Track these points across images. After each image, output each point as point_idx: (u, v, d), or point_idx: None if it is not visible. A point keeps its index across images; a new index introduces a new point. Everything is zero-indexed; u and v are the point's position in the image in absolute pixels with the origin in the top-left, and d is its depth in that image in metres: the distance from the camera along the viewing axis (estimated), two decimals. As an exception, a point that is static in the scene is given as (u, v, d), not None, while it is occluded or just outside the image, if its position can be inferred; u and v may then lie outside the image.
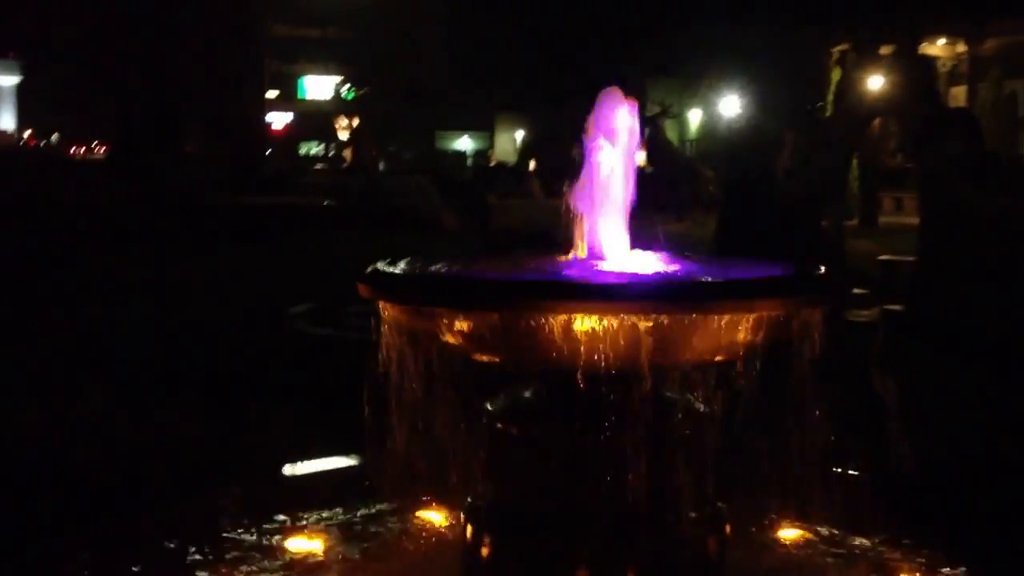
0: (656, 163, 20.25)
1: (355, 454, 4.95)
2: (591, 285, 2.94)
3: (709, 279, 2.98)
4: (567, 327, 2.95)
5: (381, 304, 3.28)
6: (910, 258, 11.43)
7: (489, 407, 3.35)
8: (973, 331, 8.72)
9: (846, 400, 3.48)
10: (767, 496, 3.72)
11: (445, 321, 3.12)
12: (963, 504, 4.45)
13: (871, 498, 4.05)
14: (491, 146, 65.38)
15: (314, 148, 61.65)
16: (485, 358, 3.26)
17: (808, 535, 4.05)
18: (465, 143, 68.23)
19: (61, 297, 11.90)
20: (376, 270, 3.22)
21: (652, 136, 20.54)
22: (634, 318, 2.91)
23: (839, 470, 4.10)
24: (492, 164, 49.77)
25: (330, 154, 52.15)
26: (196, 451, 5.75)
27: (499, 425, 3.33)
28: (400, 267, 3.28)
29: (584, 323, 2.94)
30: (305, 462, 4.64)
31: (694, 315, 2.89)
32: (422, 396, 3.39)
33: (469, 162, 57.31)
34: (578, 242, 3.37)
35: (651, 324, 2.93)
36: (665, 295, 2.86)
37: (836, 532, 4.06)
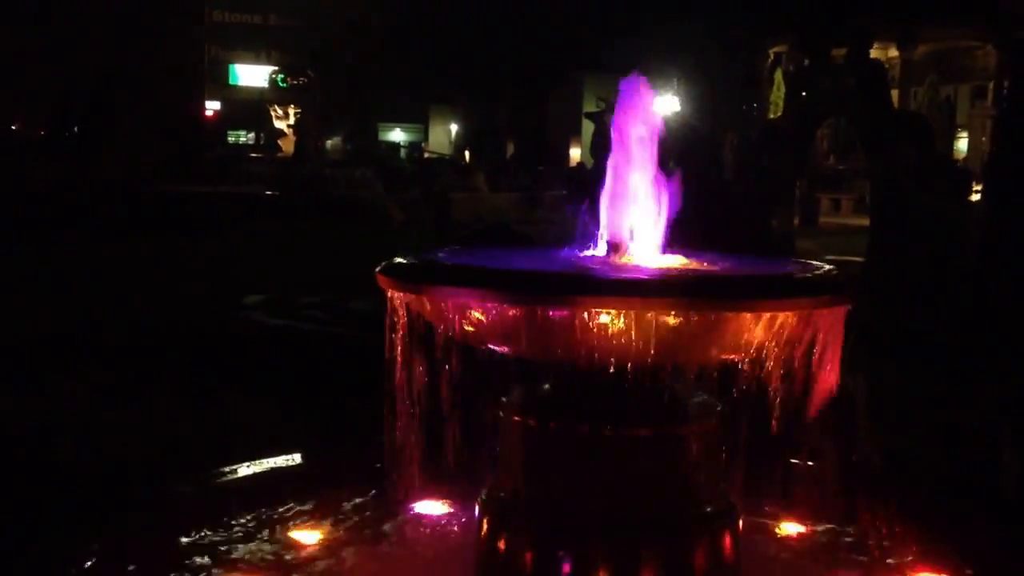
0: (599, 159, 20.25)
1: (348, 445, 4.94)
2: (627, 280, 2.96)
3: (745, 276, 3.02)
4: (594, 321, 2.97)
5: (400, 297, 3.26)
6: (855, 258, 11.61)
7: (507, 400, 3.35)
8: (923, 332, 8.88)
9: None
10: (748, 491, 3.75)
11: (467, 312, 3.11)
12: (931, 497, 4.53)
13: (844, 492, 4.12)
14: (425, 138, 65.24)
15: (243, 137, 60.81)
16: (505, 350, 3.26)
17: (789, 528, 4.10)
18: (398, 135, 68.01)
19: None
20: (402, 263, 3.21)
21: (596, 132, 20.57)
22: (663, 315, 2.94)
23: (813, 464, 4.14)
24: (426, 156, 49.61)
25: (261, 143, 51.55)
26: (169, 442, 5.68)
27: (517, 418, 3.33)
28: (419, 260, 3.28)
29: (609, 318, 2.96)
30: (296, 452, 4.60)
31: (727, 312, 2.92)
32: (434, 389, 3.38)
33: (403, 154, 57.11)
34: (598, 236, 3.40)
35: (678, 321, 2.96)
36: (705, 291, 2.89)
37: (819, 525, 4.11)
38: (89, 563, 3.48)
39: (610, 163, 3.40)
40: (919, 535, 3.96)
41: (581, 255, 3.40)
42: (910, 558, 3.86)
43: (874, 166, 10.85)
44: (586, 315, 2.94)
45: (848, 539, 4.04)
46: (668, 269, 3.18)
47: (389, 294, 3.23)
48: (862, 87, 11.04)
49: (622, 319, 2.87)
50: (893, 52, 35.46)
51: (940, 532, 3.98)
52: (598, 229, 3.42)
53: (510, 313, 3.03)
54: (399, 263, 3.21)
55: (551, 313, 2.99)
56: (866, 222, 14.74)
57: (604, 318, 2.94)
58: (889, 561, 3.88)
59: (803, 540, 4.05)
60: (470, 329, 3.15)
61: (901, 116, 12.65)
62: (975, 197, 11.73)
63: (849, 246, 14.59)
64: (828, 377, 3.25)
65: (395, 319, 3.24)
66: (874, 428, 5.71)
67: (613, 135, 3.40)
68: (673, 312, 2.93)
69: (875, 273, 10.30)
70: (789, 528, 4.09)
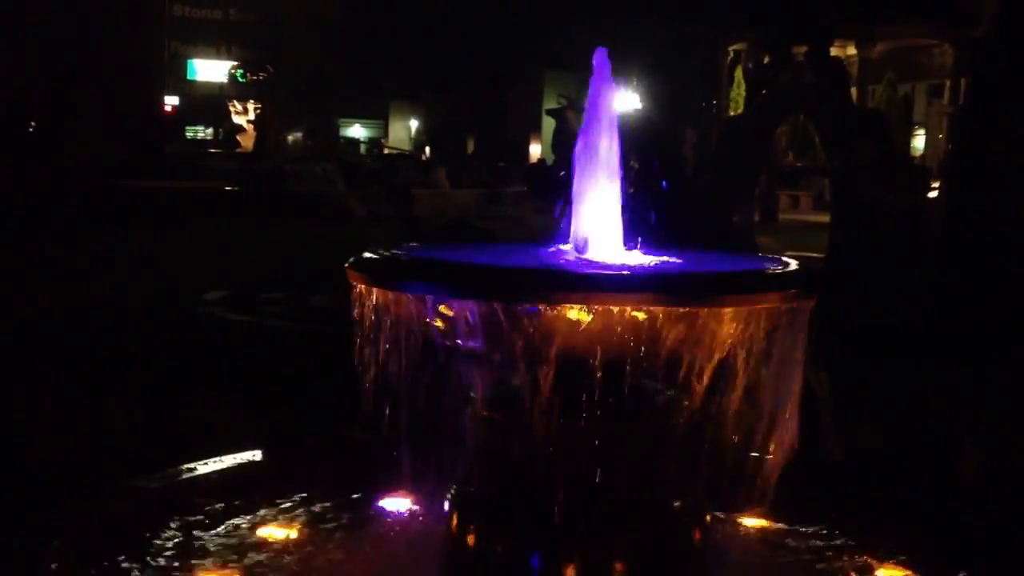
0: (561, 156, 20.30)
1: (312, 440, 4.93)
2: (599, 276, 2.98)
3: (724, 272, 3.04)
4: (562, 317, 2.98)
5: (371, 292, 3.25)
6: (815, 254, 11.73)
7: (477, 395, 3.35)
8: (883, 325, 8.99)
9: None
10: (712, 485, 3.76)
11: (437, 308, 3.11)
12: (892, 490, 4.58)
13: (807, 486, 4.15)
14: (385, 134, 64.98)
15: (201, 132, 60.36)
16: (474, 345, 3.26)
17: (754, 522, 4.13)
18: (358, 131, 67.74)
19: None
20: (375, 257, 3.21)
21: (558, 129, 20.64)
22: (633, 310, 2.96)
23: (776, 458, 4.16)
24: (386, 152, 49.42)
25: (220, 138, 51.18)
26: (131, 439, 5.64)
27: (486, 413, 3.33)
28: (392, 254, 3.28)
29: (577, 314, 2.97)
30: (260, 448, 4.57)
31: (701, 308, 2.94)
32: (406, 383, 3.37)
33: (363, 150, 56.88)
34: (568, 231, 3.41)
35: (646, 317, 2.97)
36: (678, 287, 2.91)
37: (782, 522, 4.13)
38: (52, 561, 3.44)
39: (576, 154, 3.41)
40: (881, 527, 4.00)
41: (552, 251, 3.41)
42: (872, 551, 3.90)
43: (834, 163, 10.96)
44: (557, 311, 2.95)
45: (811, 532, 4.07)
46: (640, 266, 3.20)
47: (361, 288, 3.23)
48: (822, 85, 11.13)
49: (593, 315, 2.88)
50: (851, 50, 35.75)
51: (902, 524, 4.02)
52: (568, 224, 3.44)
53: (483, 310, 3.04)
54: (365, 259, 3.20)
55: (521, 309, 3.00)
56: (824, 218, 14.91)
57: (574, 314, 2.96)
58: (851, 554, 3.92)
59: (768, 535, 4.08)
60: (440, 325, 3.15)
61: (860, 114, 12.76)
62: (933, 194, 11.91)
63: (808, 242, 14.73)
64: (794, 371, 3.28)
65: (369, 314, 3.23)
66: (836, 422, 5.77)
67: (585, 119, 3.41)
68: (646, 308, 2.95)
69: (836, 268, 10.43)
70: (754, 523, 4.12)
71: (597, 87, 3.38)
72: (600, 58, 3.39)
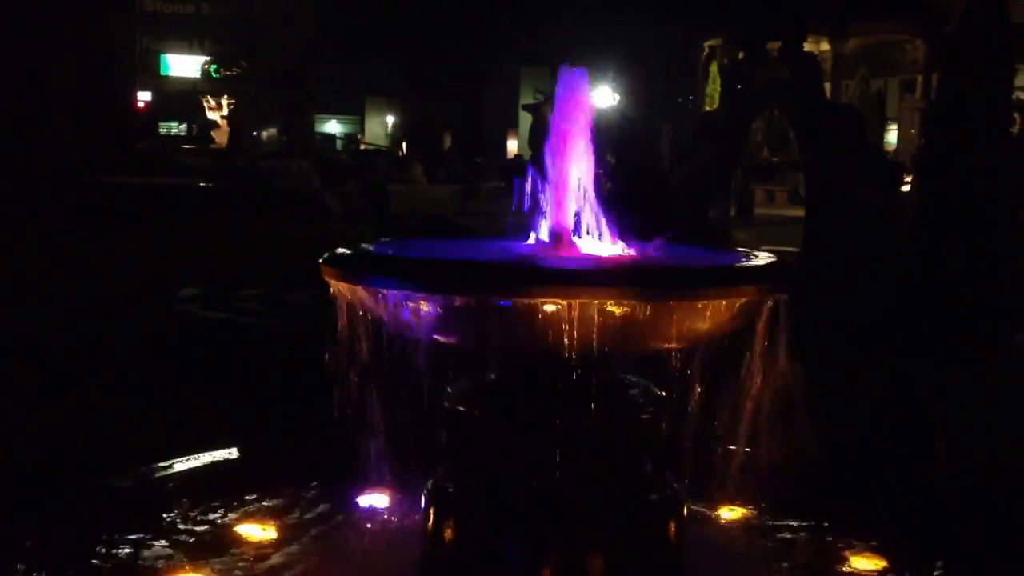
0: (538, 150, 20.30)
1: (288, 438, 4.92)
2: (571, 270, 2.98)
3: (695, 266, 3.05)
4: (536, 311, 2.98)
5: (345, 288, 3.24)
6: (790, 248, 11.77)
7: (452, 390, 3.36)
8: (855, 321, 9.03)
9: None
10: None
11: (409, 304, 3.11)
12: (866, 483, 4.61)
13: (782, 481, 4.17)
14: (361, 130, 64.82)
15: (175, 128, 60.04)
16: (448, 341, 3.26)
17: (730, 514, 4.15)
18: (334, 127, 67.59)
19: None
20: (349, 253, 3.20)
21: (535, 124, 20.70)
22: (608, 304, 2.96)
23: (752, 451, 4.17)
24: (362, 148, 49.32)
25: (193, 134, 50.91)
26: (105, 438, 5.60)
27: (462, 408, 3.33)
28: (367, 250, 3.28)
29: (553, 308, 2.97)
30: (236, 446, 4.56)
31: (672, 301, 2.94)
32: (379, 378, 3.37)
33: (339, 145, 56.71)
34: (540, 224, 3.41)
35: (622, 311, 2.98)
36: (651, 280, 2.92)
37: (757, 513, 4.15)
38: (24, 561, 3.42)
39: (548, 151, 3.41)
40: (856, 519, 4.03)
41: (524, 245, 3.41)
42: (848, 541, 3.92)
43: (808, 158, 11.00)
44: (530, 305, 2.95)
45: (787, 524, 4.09)
46: (614, 259, 3.21)
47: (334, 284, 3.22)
48: (796, 80, 11.17)
49: (567, 308, 2.89)
50: (825, 46, 35.91)
51: (877, 515, 4.05)
52: (540, 218, 3.44)
53: (456, 305, 3.04)
54: (340, 255, 3.19)
55: (496, 304, 3.00)
56: (799, 213, 14.97)
57: (549, 308, 2.96)
58: (827, 545, 3.94)
59: (743, 526, 4.10)
60: (413, 320, 3.15)
61: (834, 109, 12.82)
62: (905, 188, 11.98)
63: (783, 236, 14.80)
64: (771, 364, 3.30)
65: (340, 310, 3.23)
66: (811, 415, 5.77)
67: (553, 123, 3.41)
68: (620, 301, 2.95)
69: (810, 262, 10.47)
70: (730, 514, 4.14)
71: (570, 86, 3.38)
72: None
